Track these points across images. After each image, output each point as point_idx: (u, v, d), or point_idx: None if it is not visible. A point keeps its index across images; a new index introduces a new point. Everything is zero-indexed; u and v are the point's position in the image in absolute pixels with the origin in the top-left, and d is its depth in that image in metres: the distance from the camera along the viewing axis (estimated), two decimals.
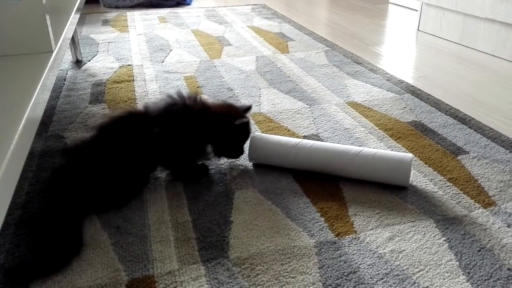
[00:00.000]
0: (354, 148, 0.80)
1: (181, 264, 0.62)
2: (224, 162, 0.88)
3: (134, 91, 1.24)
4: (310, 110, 1.12)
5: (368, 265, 0.61)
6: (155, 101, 0.81)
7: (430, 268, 0.61)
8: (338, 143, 0.95)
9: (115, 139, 0.75)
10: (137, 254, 0.64)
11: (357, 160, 0.78)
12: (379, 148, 0.93)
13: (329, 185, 0.80)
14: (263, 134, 0.86)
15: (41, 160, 0.89)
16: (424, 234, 0.68)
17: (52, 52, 0.81)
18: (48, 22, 0.82)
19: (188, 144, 0.79)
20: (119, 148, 0.75)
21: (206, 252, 0.64)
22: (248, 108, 0.86)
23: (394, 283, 0.58)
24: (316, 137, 0.98)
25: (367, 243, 0.66)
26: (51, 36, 0.83)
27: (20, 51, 0.81)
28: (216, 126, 0.80)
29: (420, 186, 0.80)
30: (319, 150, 0.81)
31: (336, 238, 0.67)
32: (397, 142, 0.95)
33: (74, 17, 1.15)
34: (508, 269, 0.61)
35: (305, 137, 0.98)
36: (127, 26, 2.04)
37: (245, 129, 0.84)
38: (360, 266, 0.61)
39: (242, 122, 0.81)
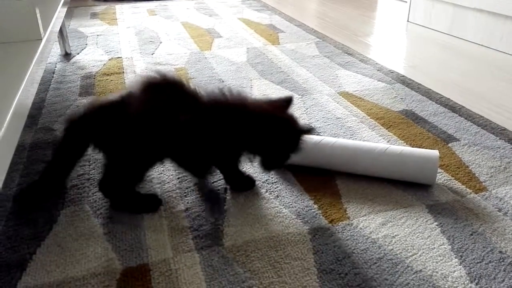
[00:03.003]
0: (379, 146, 0.77)
1: (176, 252, 0.62)
2: None
3: (124, 83, 1.23)
4: (302, 100, 1.12)
5: (362, 250, 0.62)
6: (212, 89, 0.69)
7: (423, 252, 0.61)
8: (331, 132, 0.95)
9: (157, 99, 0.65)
10: (131, 243, 0.63)
11: (382, 159, 0.76)
12: (371, 136, 0.93)
13: (322, 173, 0.80)
14: None
15: (31, 152, 0.88)
16: (417, 219, 0.68)
17: (41, 40, 0.81)
18: (38, 14, 0.82)
19: (207, 149, 0.69)
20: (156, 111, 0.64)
21: (200, 240, 0.64)
22: (289, 101, 0.72)
23: (387, 267, 0.59)
24: None
25: (360, 228, 0.66)
26: (40, 25, 0.82)
27: (9, 39, 0.80)
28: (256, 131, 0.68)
29: None
30: (343, 148, 0.78)
31: (330, 225, 0.67)
32: (388, 131, 0.96)
33: (61, 10, 1.13)
34: (500, 251, 0.61)
35: None
36: (116, 19, 2.02)
37: (287, 131, 0.69)
38: (353, 251, 0.62)
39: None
